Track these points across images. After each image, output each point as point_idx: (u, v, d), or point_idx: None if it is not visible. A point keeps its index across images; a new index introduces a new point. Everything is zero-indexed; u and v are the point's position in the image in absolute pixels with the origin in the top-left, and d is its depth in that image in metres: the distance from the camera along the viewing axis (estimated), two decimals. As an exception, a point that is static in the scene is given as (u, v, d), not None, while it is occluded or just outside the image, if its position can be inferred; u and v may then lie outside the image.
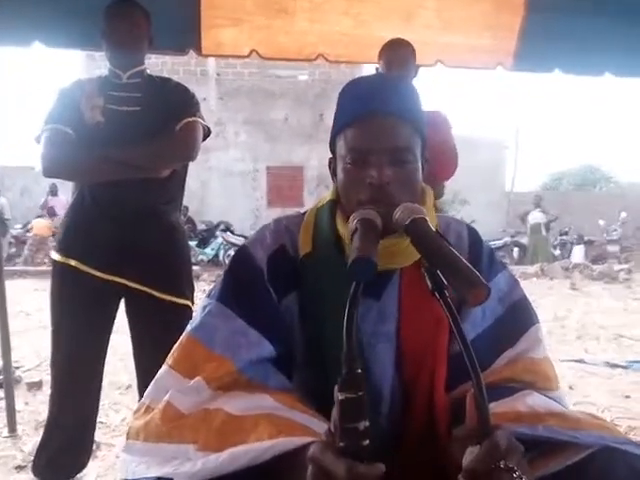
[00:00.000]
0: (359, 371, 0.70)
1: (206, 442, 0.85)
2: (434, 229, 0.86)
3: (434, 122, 2.43)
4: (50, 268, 2.00)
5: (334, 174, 1.05)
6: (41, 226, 11.58)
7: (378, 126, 0.96)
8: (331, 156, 1.07)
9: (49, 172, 1.87)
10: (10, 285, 2.66)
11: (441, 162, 2.34)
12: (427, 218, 0.85)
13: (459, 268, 0.73)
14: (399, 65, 2.32)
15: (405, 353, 1.00)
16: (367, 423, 0.68)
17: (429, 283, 0.77)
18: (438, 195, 2.51)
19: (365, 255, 0.76)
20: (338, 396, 0.69)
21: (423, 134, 1.01)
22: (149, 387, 1.00)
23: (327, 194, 1.12)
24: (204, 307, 1.02)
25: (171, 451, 0.87)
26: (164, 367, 0.99)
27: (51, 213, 11.98)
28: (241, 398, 0.91)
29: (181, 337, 1.01)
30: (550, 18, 2.60)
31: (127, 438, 0.96)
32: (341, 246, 1.02)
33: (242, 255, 1.07)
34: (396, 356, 1.00)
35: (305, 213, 1.12)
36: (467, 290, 0.70)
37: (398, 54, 2.33)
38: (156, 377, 0.99)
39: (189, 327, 1.01)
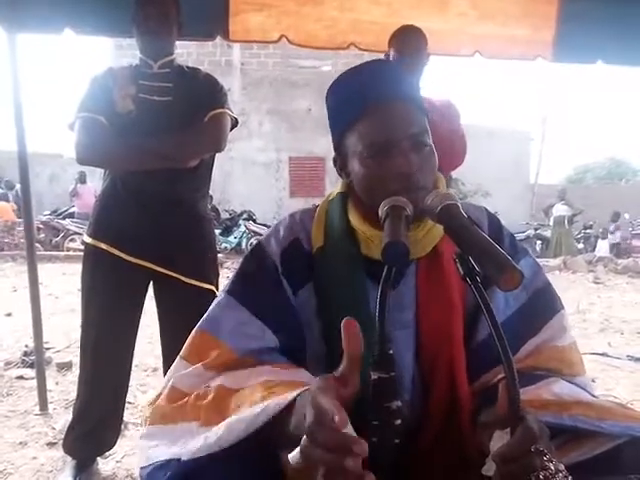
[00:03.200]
0: (391, 352, 0.71)
1: (207, 417, 0.87)
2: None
3: (444, 111, 2.38)
4: (76, 253, 2.06)
5: (342, 170, 1.04)
6: (4, 210, 11.67)
7: (393, 114, 0.94)
8: (335, 154, 1.05)
9: (83, 160, 1.91)
10: (39, 269, 2.73)
11: (450, 152, 2.29)
12: (458, 204, 0.84)
13: (492, 253, 0.72)
14: (411, 52, 2.25)
15: (423, 341, 1.00)
16: (399, 403, 0.69)
17: (460, 269, 0.76)
18: (447, 185, 2.48)
19: (398, 240, 0.76)
20: (371, 375, 0.70)
21: (427, 116, 1.00)
22: (165, 379, 1.02)
23: (336, 187, 1.11)
24: (215, 300, 1.05)
25: (177, 431, 0.89)
26: (177, 358, 1.02)
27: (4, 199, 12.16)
28: (241, 372, 0.93)
29: (194, 329, 1.03)
30: (587, 8, 2.56)
31: (142, 425, 0.99)
32: (354, 239, 1.02)
33: (256, 250, 1.08)
34: (415, 344, 1.00)
35: (318, 207, 1.11)
36: (500, 275, 0.70)
37: (409, 41, 2.27)
38: (170, 369, 1.02)
39: (201, 320, 1.03)
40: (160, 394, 1.00)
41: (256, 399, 0.83)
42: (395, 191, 0.91)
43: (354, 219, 1.02)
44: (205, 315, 1.03)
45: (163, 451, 0.88)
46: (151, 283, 2.03)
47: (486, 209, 1.13)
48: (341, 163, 1.05)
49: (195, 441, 0.84)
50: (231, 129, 2.03)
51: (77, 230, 10.96)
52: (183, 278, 1.95)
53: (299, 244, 1.05)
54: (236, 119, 2.07)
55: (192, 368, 0.96)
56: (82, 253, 2.04)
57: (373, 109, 0.95)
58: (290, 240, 1.05)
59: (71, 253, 10.11)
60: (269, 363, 0.94)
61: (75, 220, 11.38)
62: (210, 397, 0.90)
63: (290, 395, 0.79)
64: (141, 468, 0.92)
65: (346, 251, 1.01)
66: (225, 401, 0.88)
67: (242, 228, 11.60)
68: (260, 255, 1.05)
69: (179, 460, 0.85)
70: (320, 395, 0.66)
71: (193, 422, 0.88)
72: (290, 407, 0.78)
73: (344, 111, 0.99)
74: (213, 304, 1.04)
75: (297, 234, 1.06)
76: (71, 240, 11.11)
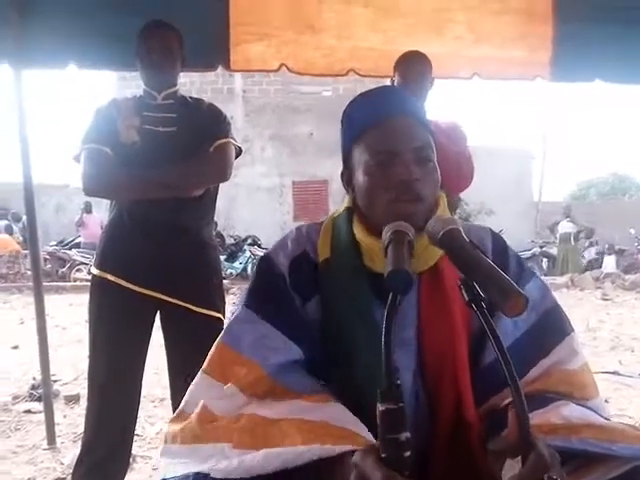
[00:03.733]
0: (398, 382, 0.71)
1: (240, 440, 0.87)
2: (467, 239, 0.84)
3: (450, 133, 2.40)
4: (84, 284, 2.06)
5: (348, 185, 1.08)
6: (6, 242, 11.69)
7: (398, 127, 1.00)
8: (342, 168, 1.09)
9: (89, 191, 1.93)
10: (46, 300, 2.73)
11: (457, 174, 2.31)
12: (460, 228, 0.84)
13: (496, 279, 0.72)
14: (415, 78, 2.29)
15: (426, 360, 1.00)
16: (408, 434, 0.68)
17: (465, 295, 0.76)
18: (453, 207, 2.47)
19: (401, 267, 0.76)
20: (379, 407, 0.69)
21: (434, 138, 1.04)
22: (186, 394, 1.02)
23: (343, 203, 1.13)
24: (232, 313, 1.05)
25: (207, 451, 0.89)
26: (199, 373, 1.02)
27: (9, 231, 12.21)
28: (274, 404, 0.93)
29: (214, 343, 1.03)
30: (583, 27, 2.61)
31: (165, 442, 0.98)
32: (358, 252, 1.03)
33: (265, 262, 1.09)
34: (417, 363, 1.00)
35: (323, 222, 1.13)
36: (505, 301, 0.70)
37: (413, 67, 2.30)
38: (192, 383, 1.02)
39: (221, 334, 1.04)
40: (183, 412, 0.99)
41: (294, 439, 0.84)
42: (394, 199, 0.95)
43: (358, 231, 1.04)
44: (225, 328, 1.04)
45: (192, 467, 0.89)
46: (158, 313, 2.03)
47: (491, 230, 1.13)
48: (347, 177, 1.08)
49: (228, 462, 0.85)
50: (235, 157, 2.05)
51: (83, 260, 11.02)
52: (190, 306, 1.95)
53: (307, 256, 1.07)
54: (240, 148, 2.09)
55: (226, 389, 0.96)
56: (89, 283, 2.05)
57: (379, 122, 1.00)
58: (298, 253, 1.07)
59: (78, 283, 10.14)
60: (300, 395, 0.94)
61: (81, 250, 11.42)
62: (244, 421, 0.90)
63: (338, 448, 0.81)
64: None
65: (350, 263, 1.03)
66: (259, 428, 0.88)
67: (247, 253, 11.62)
68: (270, 267, 1.07)
69: (207, 475, 0.85)
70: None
71: (225, 444, 0.88)
72: (332, 458, 0.80)
73: (353, 126, 1.05)
74: (232, 317, 1.05)
75: (304, 247, 1.08)
76: (77, 270, 11.14)
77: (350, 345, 0.98)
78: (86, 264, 10.82)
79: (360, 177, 1.02)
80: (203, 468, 0.86)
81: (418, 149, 0.98)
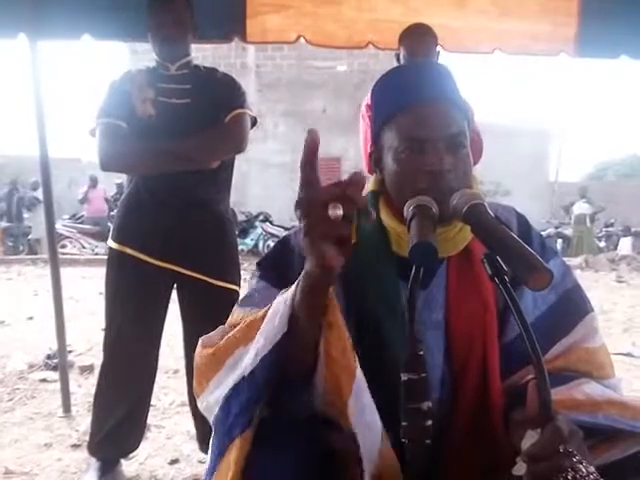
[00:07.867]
0: (421, 353, 0.71)
1: (247, 337, 0.87)
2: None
3: None
4: (97, 258, 2.07)
5: (377, 165, 1.04)
6: None
7: (433, 113, 0.94)
8: (371, 149, 1.05)
9: (106, 166, 1.92)
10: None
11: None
12: (485, 203, 0.83)
13: (521, 253, 0.72)
14: (423, 51, 2.23)
15: (454, 341, 0.99)
16: (430, 404, 0.69)
17: (488, 269, 0.76)
18: None
19: (425, 240, 0.76)
20: (401, 377, 0.70)
21: (468, 119, 1.00)
22: None
23: (367, 185, 1.10)
24: (248, 286, 1.05)
25: (229, 366, 0.89)
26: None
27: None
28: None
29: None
30: (609, 2, 2.55)
31: (197, 398, 0.98)
32: (385, 236, 1.01)
33: (282, 244, 1.07)
34: (445, 344, 0.99)
35: None
36: (529, 275, 0.69)
37: (421, 40, 2.25)
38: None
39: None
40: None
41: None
42: (423, 189, 0.91)
43: (385, 216, 1.01)
44: (241, 297, 1.04)
45: (228, 385, 0.88)
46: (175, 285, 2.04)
47: (515, 209, 1.12)
48: (377, 157, 1.04)
49: (248, 355, 0.85)
50: (251, 127, 2.04)
51: (67, 234, 11.09)
52: (206, 279, 1.96)
53: None
54: (255, 118, 2.07)
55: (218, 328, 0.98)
56: (97, 257, 2.06)
57: (414, 106, 0.95)
58: None
59: (89, 257, 10.16)
60: None
61: (66, 224, 11.45)
62: (242, 325, 0.91)
63: None
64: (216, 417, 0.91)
65: (377, 249, 1.01)
66: (257, 321, 0.88)
67: (259, 230, 11.64)
68: (287, 249, 1.05)
69: (244, 378, 0.85)
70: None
71: (238, 348, 0.88)
72: None
73: (386, 104, 1.00)
74: (248, 288, 1.04)
75: None
76: (62, 246, 10.95)
77: (376, 330, 0.97)
78: (70, 238, 10.98)
79: (389, 162, 0.98)
80: (236, 377, 0.86)
81: (452, 136, 0.94)
